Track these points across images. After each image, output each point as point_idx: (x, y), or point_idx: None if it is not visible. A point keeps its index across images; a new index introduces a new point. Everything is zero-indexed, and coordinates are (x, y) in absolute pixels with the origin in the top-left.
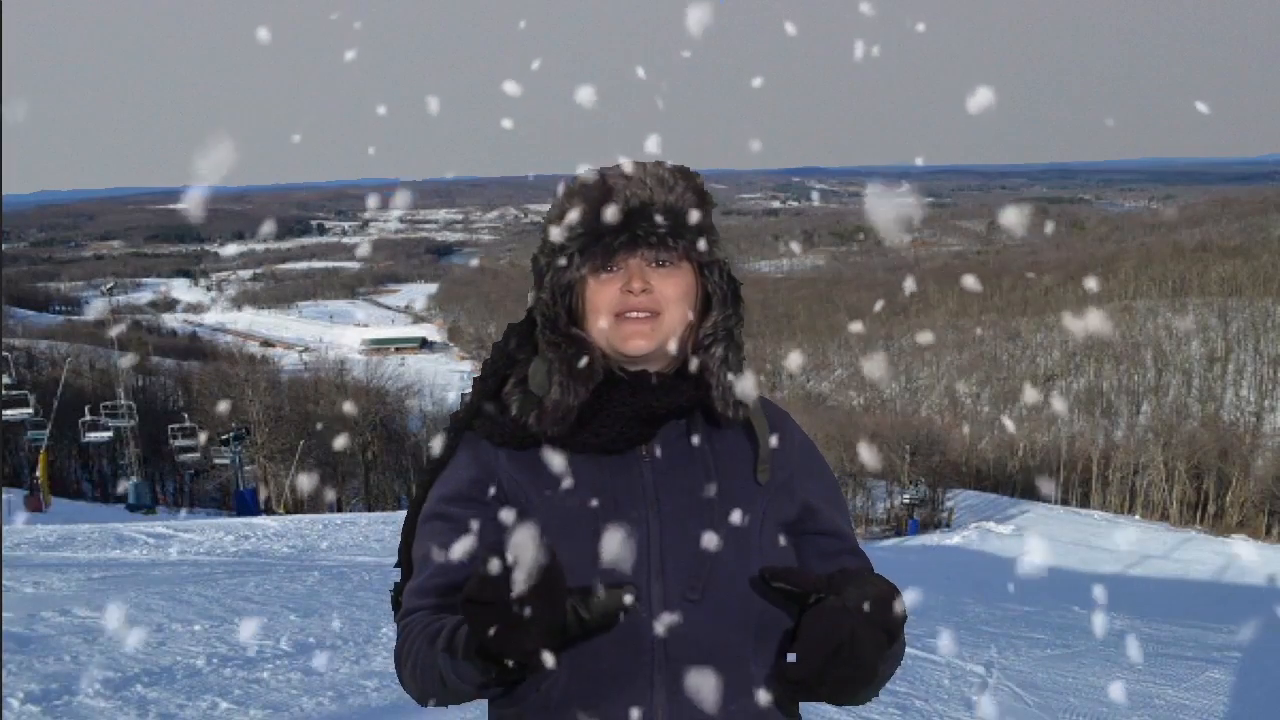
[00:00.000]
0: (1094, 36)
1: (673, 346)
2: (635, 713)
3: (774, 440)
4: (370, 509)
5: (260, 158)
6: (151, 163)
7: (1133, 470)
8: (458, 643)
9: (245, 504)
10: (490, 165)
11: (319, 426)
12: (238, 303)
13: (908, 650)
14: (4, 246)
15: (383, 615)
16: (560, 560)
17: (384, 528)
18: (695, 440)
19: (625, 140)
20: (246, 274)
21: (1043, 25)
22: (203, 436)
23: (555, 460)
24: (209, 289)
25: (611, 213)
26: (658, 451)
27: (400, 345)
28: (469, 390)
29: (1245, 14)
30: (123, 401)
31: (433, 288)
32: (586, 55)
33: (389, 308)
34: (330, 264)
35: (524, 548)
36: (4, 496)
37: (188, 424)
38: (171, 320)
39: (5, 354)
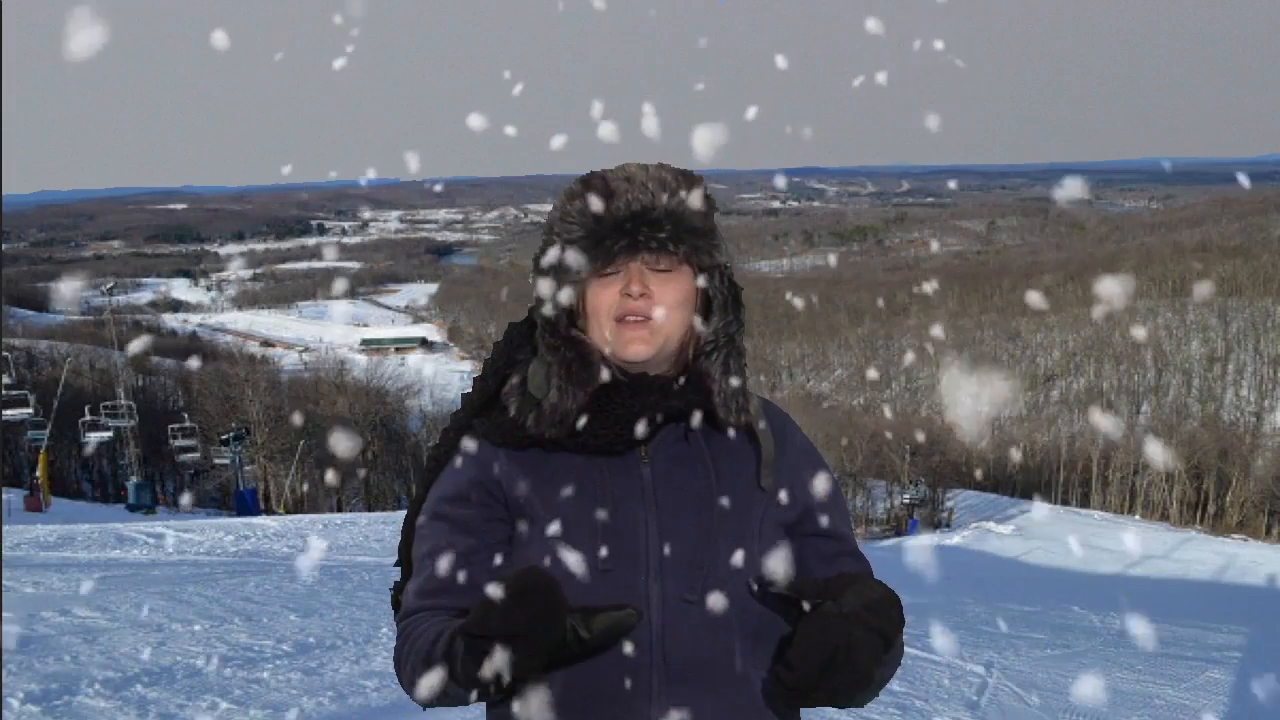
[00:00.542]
0: (1094, 36)
1: (673, 350)
2: (633, 712)
3: (775, 445)
4: (370, 509)
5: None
6: (151, 163)
7: (1133, 470)
8: (456, 651)
9: (245, 504)
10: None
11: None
12: (238, 303)
13: (907, 650)
14: (4, 246)
15: (383, 615)
16: (560, 563)
17: (384, 528)
18: (695, 443)
19: (625, 139)
20: (246, 274)
21: (1043, 25)
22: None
23: (554, 461)
24: (209, 289)
25: (613, 216)
26: (657, 453)
27: (400, 345)
28: (470, 389)
29: (1245, 14)
30: (123, 401)
31: (433, 288)
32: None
33: (389, 308)
34: (330, 264)
35: (525, 580)
36: (4, 496)
37: (188, 424)
38: (171, 320)
39: (5, 354)
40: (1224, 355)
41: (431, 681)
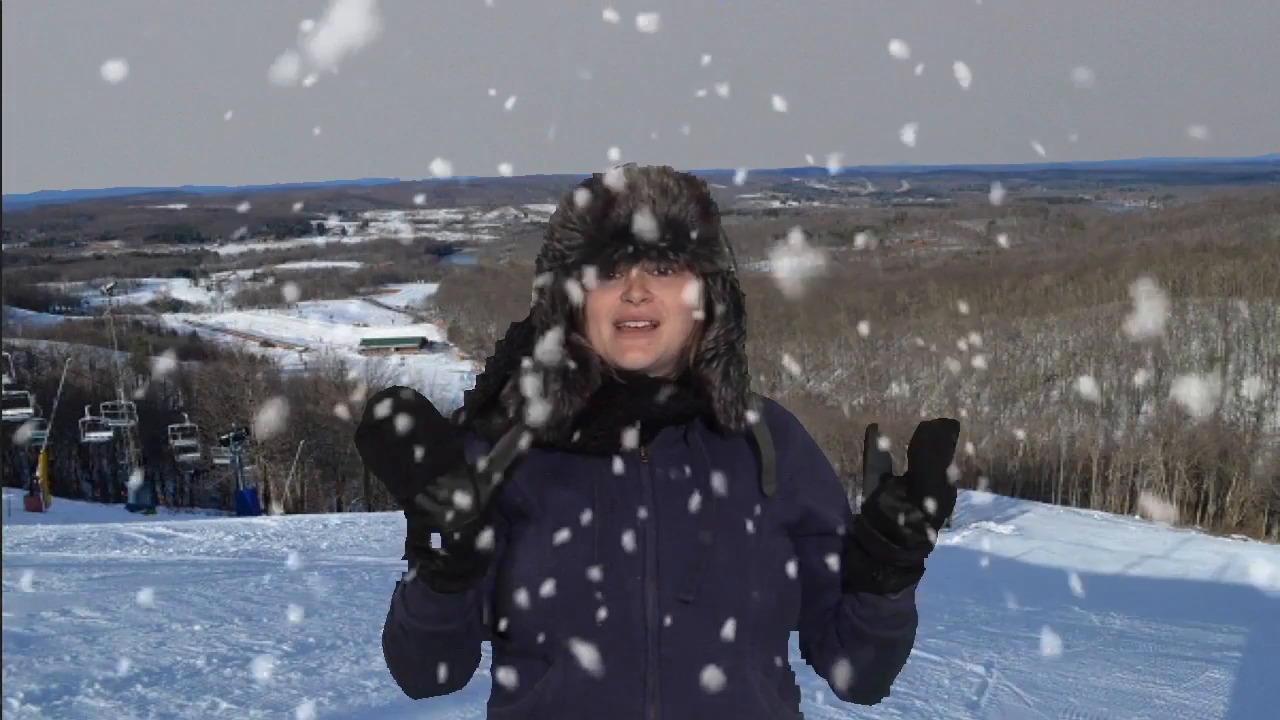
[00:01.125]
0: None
1: (674, 354)
2: (630, 713)
3: (776, 447)
4: (370, 509)
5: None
6: (151, 163)
7: (1133, 470)
8: (405, 579)
9: (245, 504)
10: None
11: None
12: (238, 303)
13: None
14: (4, 246)
15: (383, 615)
16: (558, 563)
17: (384, 528)
18: (694, 445)
19: (626, 140)
20: (246, 274)
21: (1043, 25)
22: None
23: (553, 462)
24: (209, 289)
25: (614, 223)
26: (656, 454)
27: (400, 345)
28: (472, 389)
29: (1245, 14)
30: (123, 401)
31: (433, 288)
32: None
33: (389, 308)
34: (330, 264)
35: (410, 393)
36: (4, 496)
37: (188, 424)
38: (172, 320)
39: (5, 354)
40: (1224, 355)
41: (401, 639)
